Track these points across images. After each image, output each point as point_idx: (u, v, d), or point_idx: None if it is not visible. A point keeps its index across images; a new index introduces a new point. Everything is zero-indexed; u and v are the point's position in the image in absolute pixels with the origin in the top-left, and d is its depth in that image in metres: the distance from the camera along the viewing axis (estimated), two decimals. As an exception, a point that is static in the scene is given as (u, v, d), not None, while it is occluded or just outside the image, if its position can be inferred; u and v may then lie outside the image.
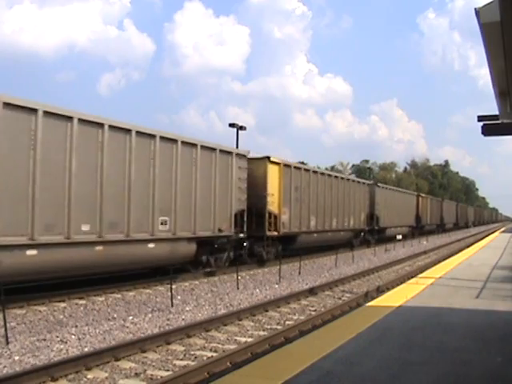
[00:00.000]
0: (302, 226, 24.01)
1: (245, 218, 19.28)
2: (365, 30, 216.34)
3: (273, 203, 21.24)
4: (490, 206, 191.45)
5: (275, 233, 21.46)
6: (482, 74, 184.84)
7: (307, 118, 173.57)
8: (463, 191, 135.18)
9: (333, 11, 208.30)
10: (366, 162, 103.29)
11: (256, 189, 20.33)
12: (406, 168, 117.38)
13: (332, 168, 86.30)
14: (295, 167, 23.92)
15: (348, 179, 32.53)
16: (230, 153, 18.73)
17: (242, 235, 19.16)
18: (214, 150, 17.70)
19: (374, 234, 35.96)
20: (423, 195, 56.41)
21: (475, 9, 5.30)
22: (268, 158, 21.33)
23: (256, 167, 20.74)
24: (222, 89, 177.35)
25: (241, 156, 19.40)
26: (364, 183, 35.01)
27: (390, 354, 6.01)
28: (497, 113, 9.36)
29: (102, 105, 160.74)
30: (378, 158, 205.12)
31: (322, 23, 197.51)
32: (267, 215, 20.90)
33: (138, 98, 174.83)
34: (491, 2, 5.10)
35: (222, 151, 18.10)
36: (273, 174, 21.40)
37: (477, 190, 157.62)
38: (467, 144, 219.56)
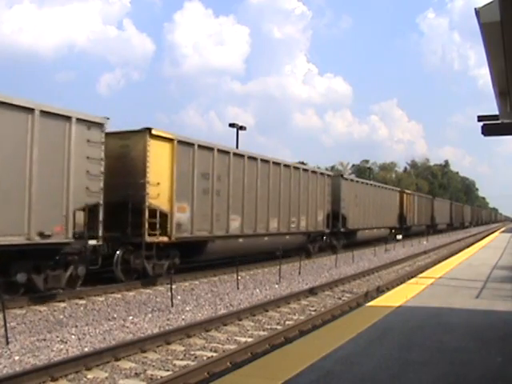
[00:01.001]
0: (216, 229, 17.68)
1: (100, 217, 13.14)
2: (364, 30, 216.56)
3: (158, 196, 15.00)
4: (490, 205, 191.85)
5: (164, 238, 15.33)
6: (482, 74, 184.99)
7: (307, 118, 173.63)
8: (463, 191, 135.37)
9: (332, 11, 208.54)
10: (366, 162, 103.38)
11: (132, 175, 14.70)
12: (405, 168, 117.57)
13: (332, 168, 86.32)
14: (201, 146, 17.17)
15: (297, 167, 24.68)
16: (66, 117, 12.38)
17: (93, 242, 13.01)
18: (28, 110, 11.49)
19: (339, 237, 29.14)
20: (408, 191, 49.05)
21: (475, 9, 5.30)
22: (149, 130, 14.88)
23: (133, 144, 15.10)
24: (222, 89, 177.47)
25: (91, 124, 12.97)
26: (323, 174, 27.41)
27: (389, 353, 6.01)
28: (497, 113, 9.37)
29: (102, 105, 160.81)
30: (378, 158, 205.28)
31: (322, 23, 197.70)
32: (147, 213, 14.64)
33: (137, 97, 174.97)
34: (491, 2, 5.11)
35: (46, 113, 11.85)
36: (158, 155, 15.14)
37: (477, 190, 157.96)
38: (467, 144, 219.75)
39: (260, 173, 20.73)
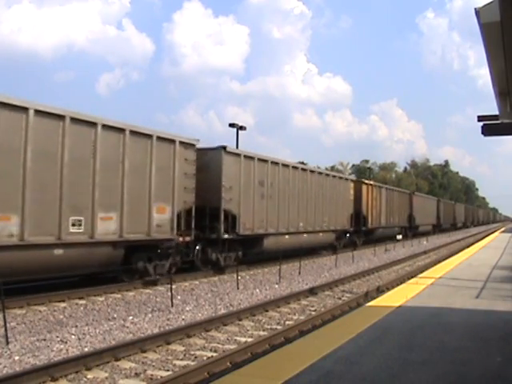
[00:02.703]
0: None
1: None
2: (364, 30, 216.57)
3: None
4: (490, 205, 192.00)
5: None
6: (482, 74, 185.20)
7: (307, 118, 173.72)
8: (463, 191, 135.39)
9: (331, 11, 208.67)
10: (366, 162, 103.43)
11: None
12: (405, 168, 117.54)
13: (332, 168, 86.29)
14: None
15: (88, 122, 13.11)
16: None
17: None
18: None
19: (226, 248, 18.50)
20: (370, 182, 36.91)
21: (475, 9, 5.30)
22: None
23: None
24: (221, 88, 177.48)
25: None
26: (170, 141, 15.82)
27: (389, 353, 6.01)
28: (497, 113, 9.37)
29: (101, 105, 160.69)
30: (378, 158, 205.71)
31: (321, 22, 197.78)
32: None
33: (137, 97, 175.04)
34: (491, 2, 5.11)
35: None
36: None
37: (477, 189, 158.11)
38: (467, 144, 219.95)
39: None
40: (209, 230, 17.85)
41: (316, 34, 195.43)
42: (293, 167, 24.04)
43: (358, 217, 31.97)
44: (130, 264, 14.48)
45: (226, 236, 18.26)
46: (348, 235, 30.65)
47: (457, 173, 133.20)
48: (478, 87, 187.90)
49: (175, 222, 15.88)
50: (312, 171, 26.83)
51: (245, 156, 19.76)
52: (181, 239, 16.12)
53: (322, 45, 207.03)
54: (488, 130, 9.69)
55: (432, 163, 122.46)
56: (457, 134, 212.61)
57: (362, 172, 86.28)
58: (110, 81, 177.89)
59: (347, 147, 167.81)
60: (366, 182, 35.86)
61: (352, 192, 31.05)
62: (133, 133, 14.38)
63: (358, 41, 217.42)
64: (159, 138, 15.35)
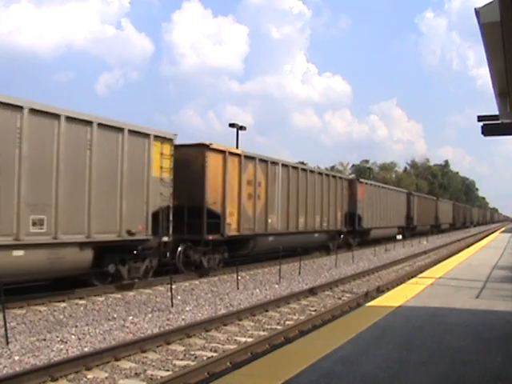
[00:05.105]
0: None
1: None
2: (363, 30, 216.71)
3: None
4: (490, 205, 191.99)
5: None
6: (481, 74, 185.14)
7: (306, 118, 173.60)
8: (463, 191, 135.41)
9: (331, 10, 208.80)
10: (366, 162, 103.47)
11: None
12: (405, 168, 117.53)
13: (332, 168, 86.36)
14: None
15: None
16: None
17: None
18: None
19: None
20: (238, 152, 19.45)
21: (475, 9, 5.31)
22: None
23: None
24: (221, 88, 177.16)
25: None
26: None
27: (389, 353, 6.01)
28: (497, 113, 9.38)
29: (101, 105, 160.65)
30: (378, 158, 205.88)
31: (321, 22, 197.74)
32: None
33: (136, 97, 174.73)
34: (491, 2, 5.11)
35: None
36: None
37: (477, 189, 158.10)
38: (467, 144, 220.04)
39: None
40: None
41: (315, 33, 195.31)
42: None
43: (197, 216, 17.03)
44: None
45: None
46: (180, 250, 16.70)
47: (457, 173, 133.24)
48: (477, 87, 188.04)
49: None
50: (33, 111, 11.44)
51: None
52: None
53: (321, 44, 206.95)
54: (488, 130, 9.70)
55: (432, 163, 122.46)
56: (456, 134, 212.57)
57: (362, 172, 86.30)
58: (109, 80, 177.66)
59: (347, 147, 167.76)
60: (220, 147, 18.05)
61: (168, 165, 15.28)
62: None
63: (357, 40, 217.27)
64: None
